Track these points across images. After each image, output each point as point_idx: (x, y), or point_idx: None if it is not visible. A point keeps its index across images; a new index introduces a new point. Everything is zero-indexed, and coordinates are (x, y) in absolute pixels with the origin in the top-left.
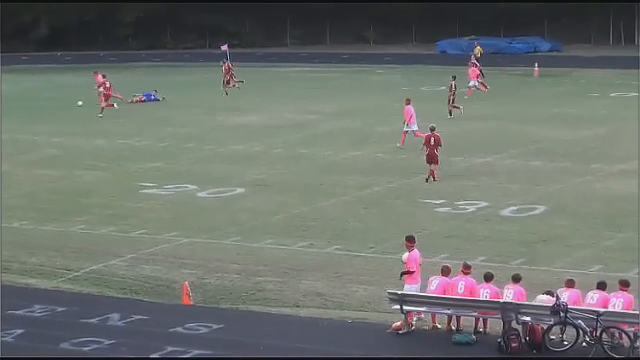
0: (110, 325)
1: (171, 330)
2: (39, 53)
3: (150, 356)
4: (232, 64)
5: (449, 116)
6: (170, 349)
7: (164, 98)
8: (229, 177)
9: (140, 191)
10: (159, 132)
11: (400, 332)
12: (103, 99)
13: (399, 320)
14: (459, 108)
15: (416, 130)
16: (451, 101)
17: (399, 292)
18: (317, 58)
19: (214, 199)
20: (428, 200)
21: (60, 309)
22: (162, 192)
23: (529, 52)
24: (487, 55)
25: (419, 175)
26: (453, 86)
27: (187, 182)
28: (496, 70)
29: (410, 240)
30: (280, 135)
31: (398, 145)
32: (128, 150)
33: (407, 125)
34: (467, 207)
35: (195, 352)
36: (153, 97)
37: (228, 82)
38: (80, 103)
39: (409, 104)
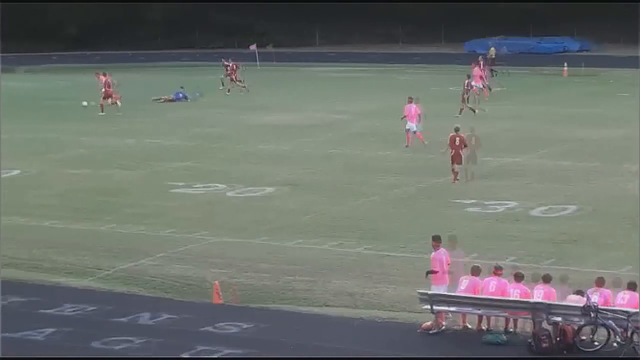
0: (140, 324)
1: (201, 329)
2: (68, 52)
3: (181, 355)
4: (237, 66)
5: (457, 114)
6: (200, 348)
7: (200, 94)
8: (259, 176)
9: (170, 190)
10: (188, 132)
11: (430, 332)
12: (102, 98)
13: (429, 320)
14: (471, 108)
15: (416, 131)
16: (466, 100)
17: (429, 292)
18: (345, 58)
19: (244, 198)
20: (458, 200)
21: (90, 308)
22: (192, 192)
23: (558, 52)
24: (516, 55)
25: (449, 175)
26: (466, 84)
27: (216, 181)
28: (525, 70)
29: (436, 240)
30: (310, 135)
31: (404, 145)
32: (158, 149)
33: (409, 124)
34: (497, 207)
35: (226, 352)
36: (182, 96)
37: (232, 80)
38: (85, 103)
39: (410, 102)
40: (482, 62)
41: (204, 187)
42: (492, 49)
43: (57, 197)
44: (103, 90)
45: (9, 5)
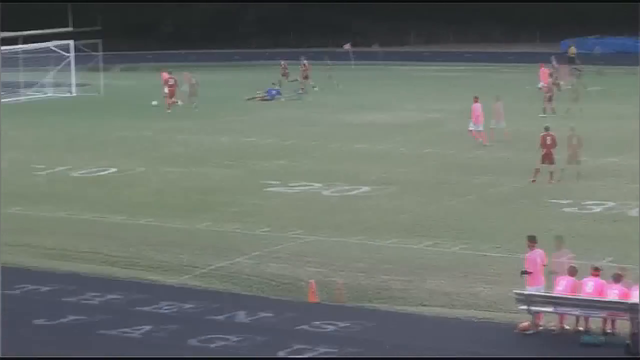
0: (236, 322)
1: (297, 328)
2: (163, 51)
3: (277, 353)
4: (307, 65)
5: (542, 114)
6: (296, 346)
7: (314, 87)
8: (354, 175)
9: (265, 189)
10: (283, 130)
11: (527, 332)
12: (168, 96)
13: (526, 321)
14: (552, 109)
15: (480, 130)
16: (548, 99)
17: (526, 293)
18: (440, 57)
19: (339, 197)
20: (554, 200)
21: (187, 306)
22: (288, 190)
23: None
24: (613, 55)
25: (545, 175)
26: (550, 84)
27: (312, 180)
28: (622, 70)
29: (531, 240)
30: (404, 134)
31: (481, 142)
32: (253, 148)
33: (474, 124)
34: (594, 207)
35: (321, 351)
36: (275, 92)
37: (306, 78)
38: (154, 103)
39: (476, 101)
40: (554, 62)
41: (299, 185)
42: (572, 47)
43: (152, 195)
44: (167, 89)
45: (107, 5)
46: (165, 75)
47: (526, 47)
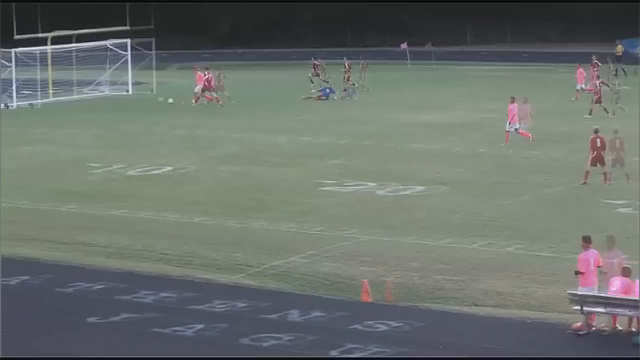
0: (289, 321)
1: (350, 327)
2: (219, 50)
3: (329, 353)
4: (348, 65)
5: (587, 115)
6: (349, 346)
7: (367, 89)
8: (409, 175)
9: (319, 188)
10: (339, 129)
11: (580, 333)
12: (207, 93)
13: (579, 321)
14: (604, 108)
15: (518, 129)
16: (599, 101)
17: (579, 293)
18: (497, 57)
19: (394, 196)
20: (609, 201)
21: (240, 305)
22: (342, 190)
23: None
24: None
25: (599, 176)
26: (597, 85)
27: (366, 179)
28: None
29: (586, 240)
30: (460, 134)
31: (502, 144)
32: (308, 147)
33: (510, 124)
34: None
35: (374, 350)
36: (329, 91)
37: (348, 80)
38: (170, 100)
39: (513, 102)
40: (596, 62)
41: (354, 185)
42: (620, 46)
43: (207, 193)
44: (200, 89)
45: (164, 5)
46: (199, 74)
47: (582, 47)
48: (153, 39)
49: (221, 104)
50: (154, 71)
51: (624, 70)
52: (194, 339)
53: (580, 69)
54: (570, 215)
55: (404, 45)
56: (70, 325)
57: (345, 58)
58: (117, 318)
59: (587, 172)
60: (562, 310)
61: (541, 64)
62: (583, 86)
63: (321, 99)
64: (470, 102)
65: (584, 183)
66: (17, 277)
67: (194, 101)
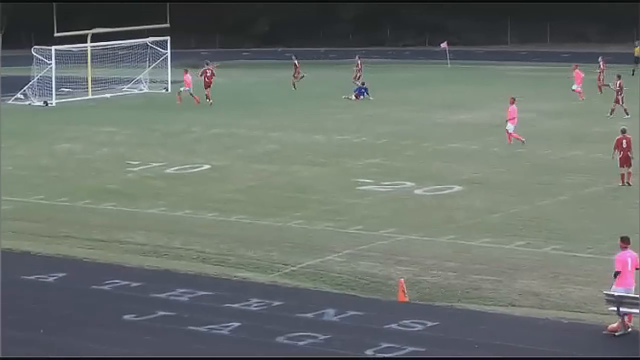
0: (325, 320)
1: (386, 326)
2: (259, 48)
3: (364, 352)
4: (361, 64)
5: (609, 115)
6: (384, 345)
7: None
8: (446, 174)
9: (357, 187)
10: (376, 129)
11: (616, 334)
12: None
13: (615, 322)
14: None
15: (511, 132)
16: (619, 101)
17: (616, 294)
18: (536, 57)
19: (431, 196)
20: None
21: (276, 303)
22: (380, 189)
23: None
24: None
25: (637, 176)
26: (618, 85)
27: (404, 179)
28: None
29: (624, 240)
30: (498, 133)
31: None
32: (346, 146)
33: (510, 125)
34: None
35: (410, 349)
36: (363, 91)
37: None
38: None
39: (513, 103)
40: (602, 62)
41: (391, 184)
42: (638, 48)
43: (244, 192)
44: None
45: (202, 5)
46: (187, 76)
47: (621, 47)
48: (192, 37)
49: (210, 102)
50: (191, 70)
51: (633, 71)
52: (230, 338)
53: (577, 70)
54: (608, 216)
55: (443, 45)
56: (107, 323)
57: (357, 56)
58: (154, 316)
59: (622, 175)
60: (598, 311)
61: (581, 64)
62: (578, 87)
63: (359, 99)
64: (507, 102)
65: (622, 184)
66: (54, 275)
67: (178, 102)
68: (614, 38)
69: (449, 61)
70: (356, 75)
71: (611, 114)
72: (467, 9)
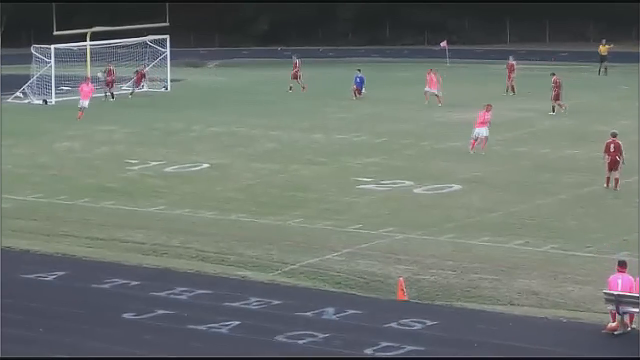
0: (325, 319)
1: (385, 325)
2: (258, 47)
3: (364, 351)
4: (299, 63)
5: (551, 112)
6: (384, 344)
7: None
8: (446, 173)
9: (357, 186)
10: (376, 128)
11: (615, 333)
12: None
13: (614, 321)
14: (561, 106)
15: (472, 138)
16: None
17: (615, 293)
18: (535, 56)
19: (431, 195)
20: None
21: (275, 302)
22: (379, 188)
23: None
24: None
25: (636, 175)
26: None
27: (403, 178)
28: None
29: (620, 265)
30: (498, 132)
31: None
32: (345, 145)
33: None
34: None
35: (409, 348)
36: (359, 81)
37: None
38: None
39: (489, 110)
40: (512, 60)
41: (391, 183)
42: (603, 46)
43: (244, 191)
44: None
45: (202, 3)
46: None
47: (622, 47)
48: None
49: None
50: (190, 68)
51: (599, 70)
52: (229, 337)
53: (432, 74)
54: (607, 215)
55: (443, 44)
56: (106, 321)
57: (294, 56)
58: (153, 315)
59: (608, 178)
60: (597, 310)
61: (578, 63)
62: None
63: (361, 94)
64: (507, 101)
65: (606, 187)
66: (54, 273)
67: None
68: (613, 37)
69: (448, 60)
70: (295, 74)
71: (553, 112)
72: (467, 8)
